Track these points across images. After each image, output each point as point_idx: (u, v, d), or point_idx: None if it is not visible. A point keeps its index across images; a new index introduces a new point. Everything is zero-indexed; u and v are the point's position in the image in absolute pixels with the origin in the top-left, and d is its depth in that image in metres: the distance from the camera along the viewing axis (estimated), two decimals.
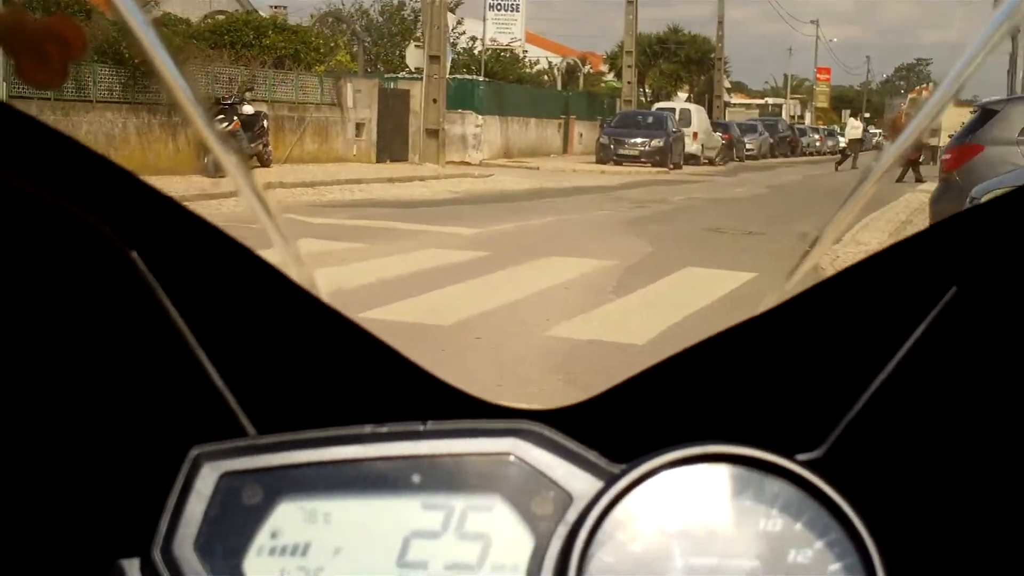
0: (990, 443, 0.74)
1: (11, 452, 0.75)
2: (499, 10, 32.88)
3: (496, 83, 31.76)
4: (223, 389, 0.76)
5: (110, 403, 0.75)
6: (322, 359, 0.77)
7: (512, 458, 0.76)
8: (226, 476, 0.76)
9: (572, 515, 0.75)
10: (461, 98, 29.36)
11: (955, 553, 0.75)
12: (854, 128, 33.68)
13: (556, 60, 42.93)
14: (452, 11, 32.50)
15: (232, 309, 0.76)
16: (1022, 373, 0.71)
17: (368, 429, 0.77)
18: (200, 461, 0.76)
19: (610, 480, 0.75)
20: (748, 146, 42.42)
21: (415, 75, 26.61)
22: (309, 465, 0.77)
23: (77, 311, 0.74)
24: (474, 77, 30.63)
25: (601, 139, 31.45)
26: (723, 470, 0.75)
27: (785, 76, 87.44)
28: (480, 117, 29.28)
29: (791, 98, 75.92)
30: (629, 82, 37.08)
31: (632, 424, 0.77)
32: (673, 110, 35.59)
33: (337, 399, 0.77)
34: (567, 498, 0.75)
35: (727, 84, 54.26)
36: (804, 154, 54.06)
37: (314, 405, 0.77)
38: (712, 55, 50.88)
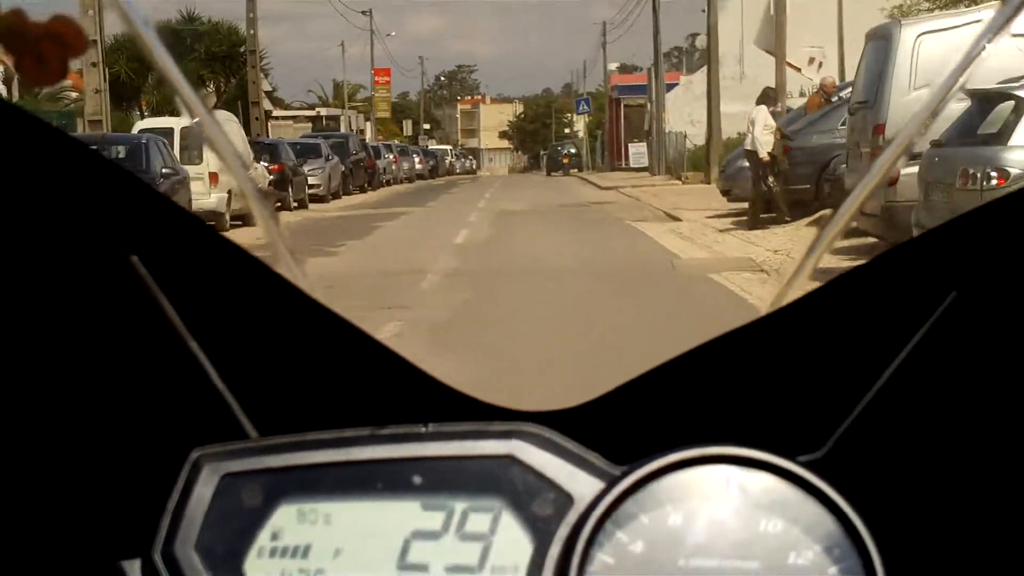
0: (990, 446, 0.82)
1: (14, 454, 0.84)
2: None
3: None
4: (224, 391, 0.84)
5: (112, 406, 0.84)
6: (323, 362, 0.86)
7: (513, 460, 0.82)
8: (227, 478, 0.82)
9: (573, 517, 0.80)
10: None
11: (955, 554, 0.83)
12: (767, 128, 17.50)
13: None
14: None
15: (233, 312, 0.84)
16: (1021, 377, 0.80)
17: (369, 431, 0.83)
18: (201, 463, 0.82)
19: (611, 482, 0.80)
20: (311, 180, 30.66)
21: None
22: (310, 467, 0.83)
23: (79, 315, 0.83)
24: None
25: None
26: (724, 471, 0.81)
27: (336, 82, 71.33)
28: None
29: (349, 107, 59.12)
30: (97, 90, 24.64)
31: (633, 426, 0.84)
32: (170, 131, 22.58)
33: (338, 401, 0.86)
34: (568, 500, 0.81)
35: (267, 87, 36.96)
36: (383, 184, 44.77)
37: (315, 407, 0.85)
38: (244, 48, 33.58)
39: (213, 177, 21.46)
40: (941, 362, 0.80)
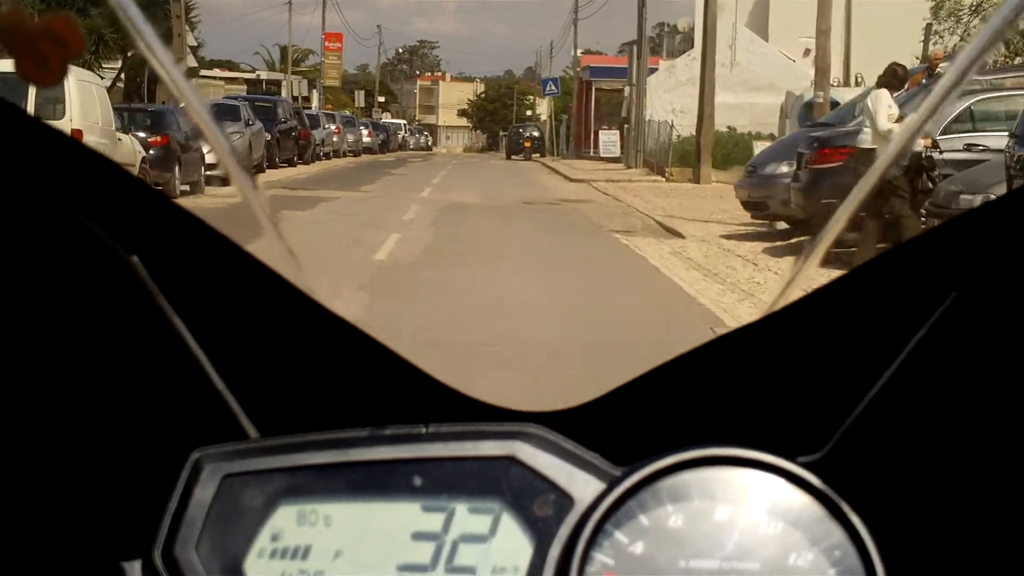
0: (990, 446, 0.83)
1: (15, 455, 0.85)
2: None
3: None
4: (224, 392, 0.84)
5: (112, 407, 0.85)
6: (323, 362, 0.87)
7: (513, 461, 0.83)
8: (227, 478, 0.83)
9: (573, 518, 0.81)
10: None
11: (954, 555, 0.84)
12: (892, 118, 11.08)
13: None
14: None
15: (233, 313, 0.85)
16: (1020, 377, 0.81)
17: (369, 432, 0.84)
18: (201, 464, 0.83)
19: (611, 483, 0.81)
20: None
21: None
22: (310, 468, 0.84)
23: (78, 316, 0.84)
24: None
25: None
26: (724, 473, 0.81)
27: (283, 47, 66.21)
28: None
29: (294, 72, 54.06)
30: None
31: (634, 427, 0.85)
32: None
33: (338, 402, 0.86)
34: (568, 501, 0.82)
35: (192, 41, 32.28)
36: (319, 157, 39.60)
37: (316, 408, 0.86)
38: None
39: (76, 135, 16.73)
40: (941, 363, 0.81)
